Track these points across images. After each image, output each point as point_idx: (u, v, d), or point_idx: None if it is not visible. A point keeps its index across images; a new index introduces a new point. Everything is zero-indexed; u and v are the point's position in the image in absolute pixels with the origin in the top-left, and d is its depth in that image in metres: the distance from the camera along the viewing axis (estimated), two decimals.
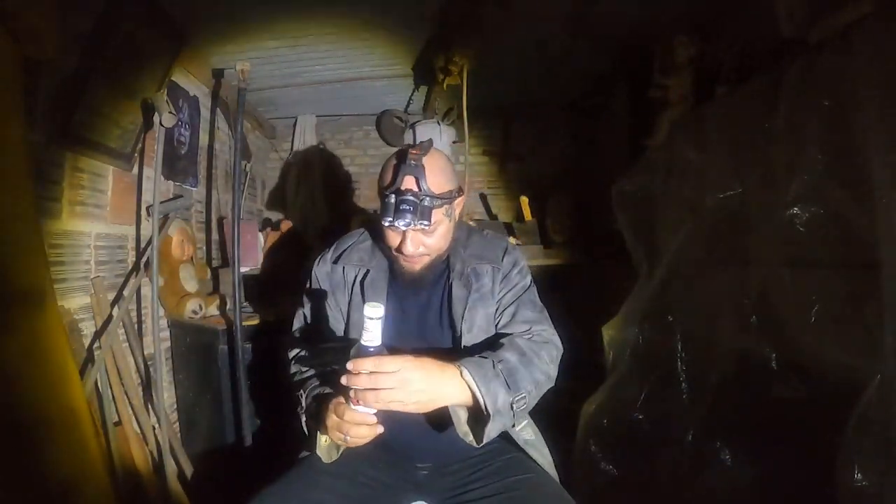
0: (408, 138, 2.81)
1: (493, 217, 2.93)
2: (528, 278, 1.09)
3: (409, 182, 0.91)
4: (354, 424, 0.80)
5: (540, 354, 0.94)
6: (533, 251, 2.35)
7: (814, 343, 0.99)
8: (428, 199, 0.90)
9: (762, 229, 1.15)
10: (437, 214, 0.93)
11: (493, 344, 0.98)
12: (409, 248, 0.94)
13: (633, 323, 1.62)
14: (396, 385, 0.75)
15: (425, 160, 0.92)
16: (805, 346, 1.02)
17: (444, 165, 0.97)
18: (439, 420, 0.98)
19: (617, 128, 2.40)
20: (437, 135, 2.69)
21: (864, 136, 0.88)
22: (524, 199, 2.59)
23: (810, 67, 1.04)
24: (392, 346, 1.01)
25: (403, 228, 0.91)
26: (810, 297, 1.01)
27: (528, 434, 1.03)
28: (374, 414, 0.79)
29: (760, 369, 1.14)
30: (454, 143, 2.78)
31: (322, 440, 0.91)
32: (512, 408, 0.84)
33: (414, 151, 0.92)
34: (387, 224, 0.91)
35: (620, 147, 2.31)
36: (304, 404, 0.95)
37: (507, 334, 0.98)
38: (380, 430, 0.80)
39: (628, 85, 2.24)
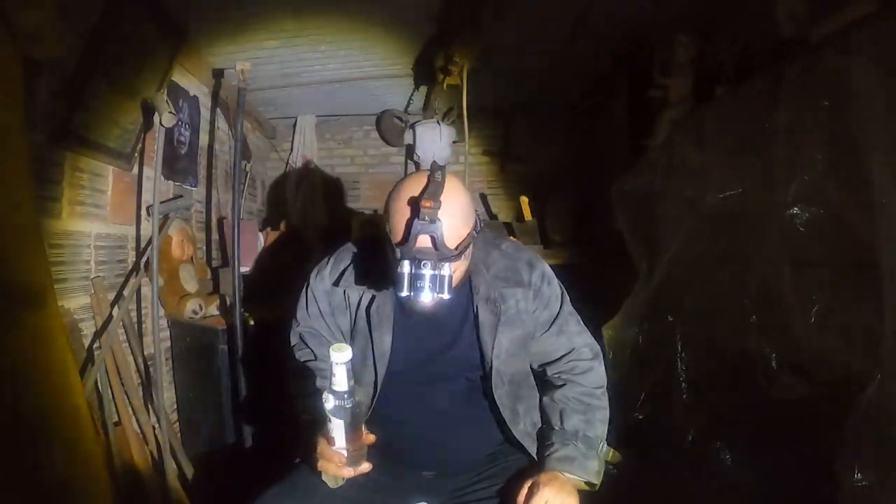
0: (408, 138, 2.82)
1: (493, 217, 2.92)
2: (556, 282, 1.04)
3: (423, 241, 0.78)
4: (326, 462, 0.81)
5: (593, 392, 0.99)
6: (533, 251, 2.35)
7: (814, 343, 1.00)
8: (447, 264, 0.78)
9: (762, 229, 1.15)
10: (456, 264, 0.82)
11: (523, 369, 1.01)
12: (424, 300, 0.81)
13: (633, 323, 1.62)
14: None
15: (441, 212, 0.78)
16: (805, 346, 1.02)
17: (461, 208, 0.83)
18: (445, 430, 0.98)
19: (617, 128, 2.40)
20: (437, 135, 2.69)
21: (864, 136, 0.88)
22: (524, 199, 2.59)
23: (810, 67, 1.04)
24: (401, 371, 0.97)
25: (422, 302, 0.79)
26: (810, 297, 1.01)
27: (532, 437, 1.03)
28: (359, 440, 0.80)
29: (760, 369, 1.14)
30: (454, 143, 2.78)
31: None
32: (599, 457, 0.95)
33: (427, 205, 0.77)
34: (402, 297, 0.80)
35: (620, 147, 2.31)
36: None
37: (554, 356, 1.02)
38: (348, 472, 0.80)
39: (628, 85, 2.24)
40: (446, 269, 0.78)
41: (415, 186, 0.82)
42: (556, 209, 2.64)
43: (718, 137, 1.39)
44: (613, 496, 1.37)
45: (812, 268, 1.04)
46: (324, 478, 0.89)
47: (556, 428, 0.95)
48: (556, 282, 1.04)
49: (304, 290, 1.03)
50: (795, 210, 1.03)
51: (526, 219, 2.58)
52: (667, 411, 1.44)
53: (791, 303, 1.05)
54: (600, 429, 0.96)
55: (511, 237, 2.46)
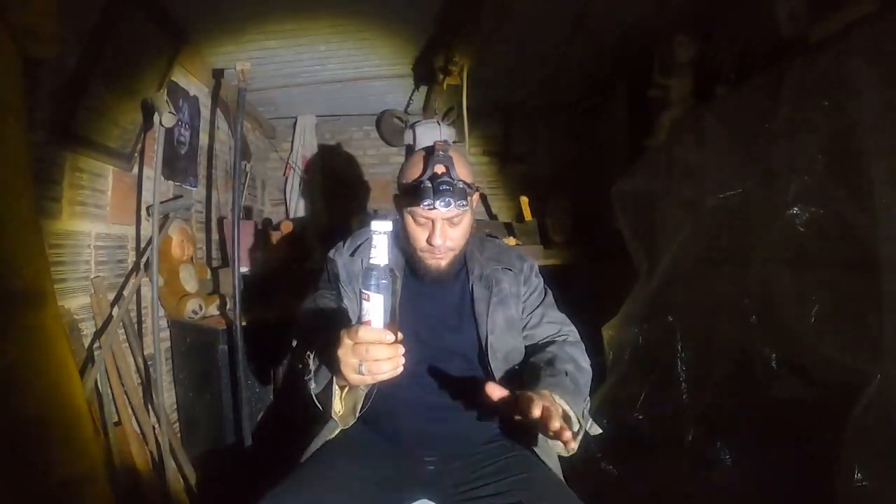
0: (408, 138, 2.81)
1: (493, 217, 2.93)
2: (542, 279, 1.14)
3: (440, 169, 0.94)
4: (374, 346, 0.69)
5: (583, 356, 1.03)
6: (533, 251, 2.35)
7: (814, 343, 1.00)
8: (461, 182, 0.93)
9: (762, 229, 1.15)
10: (462, 210, 0.95)
11: (518, 347, 1.04)
12: (438, 239, 0.95)
13: (633, 323, 1.62)
14: None
15: (451, 152, 0.96)
16: (805, 346, 1.02)
17: (465, 161, 1.02)
18: (448, 409, 0.99)
19: (617, 128, 2.40)
20: (437, 135, 2.69)
21: (864, 136, 0.89)
22: (524, 199, 2.59)
23: (810, 67, 1.04)
24: (408, 348, 0.98)
25: (444, 209, 0.91)
26: (810, 297, 1.01)
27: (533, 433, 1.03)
28: (394, 331, 0.71)
29: (760, 369, 1.14)
30: (454, 143, 2.78)
31: (337, 406, 0.85)
32: (584, 414, 0.90)
33: (440, 142, 0.96)
34: (426, 207, 0.92)
35: (620, 147, 2.31)
36: (311, 366, 0.85)
37: (541, 338, 1.06)
38: (399, 348, 0.71)
39: (628, 85, 2.24)
40: (461, 185, 0.93)
41: (426, 150, 0.98)
42: (556, 209, 2.64)
43: (718, 137, 1.39)
44: (614, 496, 1.37)
45: (812, 268, 1.04)
46: (334, 416, 0.84)
47: (545, 367, 0.94)
48: (541, 278, 1.15)
49: (324, 268, 1.14)
50: (795, 210, 1.04)
51: (526, 219, 2.58)
52: (667, 411, 1.44)
53: (791, 303, 1.05)
54: (586, 389, 0.96)
55: (511, 237, 2.46)
